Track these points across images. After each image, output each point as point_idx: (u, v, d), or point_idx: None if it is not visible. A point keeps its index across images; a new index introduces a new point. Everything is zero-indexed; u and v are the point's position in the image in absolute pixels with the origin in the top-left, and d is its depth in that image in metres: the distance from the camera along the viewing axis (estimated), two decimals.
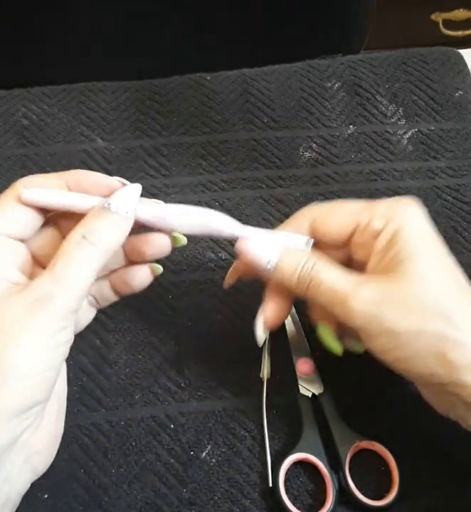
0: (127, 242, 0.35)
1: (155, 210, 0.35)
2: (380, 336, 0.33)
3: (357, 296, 0.33)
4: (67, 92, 0.55)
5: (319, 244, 0.38)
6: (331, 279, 0.34)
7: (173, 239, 0.37)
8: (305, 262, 0.35)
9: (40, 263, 0.36)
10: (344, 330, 0.37)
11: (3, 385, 0.29)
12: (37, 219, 0.35)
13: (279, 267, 0.36)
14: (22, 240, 0.34)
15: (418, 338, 0.32)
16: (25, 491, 0.33)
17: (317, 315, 0.38)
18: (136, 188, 0.35)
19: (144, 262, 0.38)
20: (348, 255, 0.38)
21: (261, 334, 0.37)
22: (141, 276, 0.38)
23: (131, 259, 0.38)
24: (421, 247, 0.34)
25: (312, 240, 0.37)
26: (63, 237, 0.36)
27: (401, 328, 0.32)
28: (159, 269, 0.38)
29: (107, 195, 0.34)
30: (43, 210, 0.35)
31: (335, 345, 0.37)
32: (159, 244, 0.37)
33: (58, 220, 0.36)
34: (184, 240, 0.37)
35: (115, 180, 0.35)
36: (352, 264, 0.38)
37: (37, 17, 0.63)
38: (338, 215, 0.37)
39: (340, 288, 0.34)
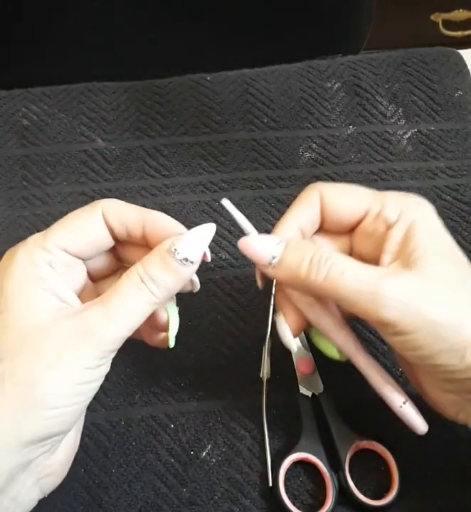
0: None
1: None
2: (419, 330, 0.31)
3: (390, 286, 0.31)
4: (67, 92, 0.55)
5: (321, 231, 0.37)
6: (356, 268, 0.32)
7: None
8: (314, 251, 0.33)
9: (91, 278, 0.35)
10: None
11: (28, 410, 0.28)
12: (105, 244, 0.34)
13: (285, 260, 0.33)
14: (82, 259, 0.33)
15: (462, 330, 0.31)
16: (32, 508, 0.32)
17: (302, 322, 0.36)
18: (208, 233, 0.33)
19: None
20: (348, 247, 0.37)
21: (291, 340, 0.35)
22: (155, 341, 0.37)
23: None
24: (438, 245, 0.33)
25: (284, 241, 0.34)
26: (117, 259, 0.35)
27: (444, 320, 0.31)
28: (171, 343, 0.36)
29: None
30: (115, 236, 0.34)
31: (333, 350, 0.37)
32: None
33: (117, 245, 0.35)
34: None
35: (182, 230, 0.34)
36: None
37: (37, 17, 0.63)
38: (351, 196, 0.35)
39: (368, 277, 0.31)
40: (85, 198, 0.50)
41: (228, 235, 0.49)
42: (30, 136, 0.53)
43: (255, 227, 0.50)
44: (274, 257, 0.33)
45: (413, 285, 0.31)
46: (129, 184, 0.51)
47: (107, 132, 0.53)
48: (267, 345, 0.43)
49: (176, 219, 0.49)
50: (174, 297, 0.35)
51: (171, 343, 0.35)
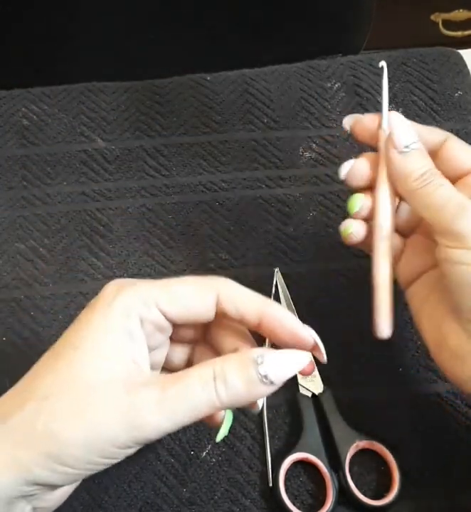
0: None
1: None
2: None
3: None
4: (67, 92, 0.55)
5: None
6: (453, 188, 0.34)
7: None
8: (432, 168, 0.35)
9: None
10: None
11: (45, 457, 0.28)
12: (205, 320, 0.32)
13: (412, 157, 0.35)
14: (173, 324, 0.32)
15: None
16: None
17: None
18: (301, 361, 0.30)
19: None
20: None
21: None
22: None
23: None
24: None
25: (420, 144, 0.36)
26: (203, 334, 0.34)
27: None
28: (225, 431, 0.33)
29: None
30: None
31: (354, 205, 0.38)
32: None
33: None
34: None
35: (309, 336, 0.31)
36: None
37: (37, 17, 0.63)
38: (469, 151, 0.37)
39: (460, 199, 0.33)
40: (85, 198, 0.50)
41: (227, 234, 0.49)
42: (30, 136, 0.53)
43: (255, 227, 0.50)
44: (406, 147, 0.35)
45: None
46: (129, 184, 0.51)
47: (107, 132, 0.53)
48: (267, 345, 0.43)
49: (176, 219, 0.50)
50: None
51: (219, 439, 0.33)
